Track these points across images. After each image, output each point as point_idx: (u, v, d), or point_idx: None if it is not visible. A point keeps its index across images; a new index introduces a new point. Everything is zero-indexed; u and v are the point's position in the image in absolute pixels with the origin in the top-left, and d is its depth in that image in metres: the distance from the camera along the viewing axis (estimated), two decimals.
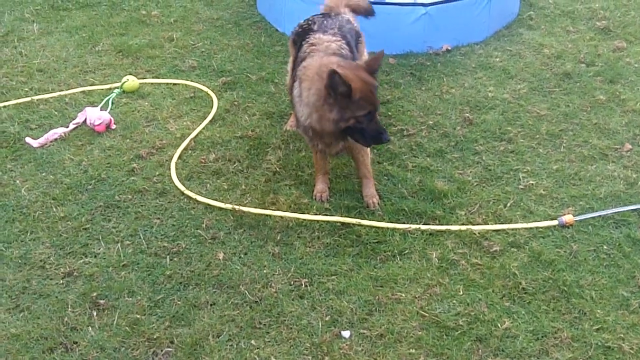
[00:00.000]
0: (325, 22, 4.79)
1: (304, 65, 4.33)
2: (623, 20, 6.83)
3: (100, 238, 4.22)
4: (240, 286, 3.88)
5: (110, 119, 5.25)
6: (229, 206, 4.42)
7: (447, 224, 4.28)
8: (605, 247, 4.11)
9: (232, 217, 4.36)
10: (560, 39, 6.51)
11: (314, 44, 4.51)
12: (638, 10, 7.03)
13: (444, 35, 6.28)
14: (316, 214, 4.36)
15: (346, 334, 3.60)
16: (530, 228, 4.25)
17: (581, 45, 6.38)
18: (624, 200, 4.47)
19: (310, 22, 4.86)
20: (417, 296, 3.81)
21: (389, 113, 5.36)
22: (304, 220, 4.33)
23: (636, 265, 3.98)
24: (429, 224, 4.28)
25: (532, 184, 4.63)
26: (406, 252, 4.10)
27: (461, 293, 3.82)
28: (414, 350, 3.50)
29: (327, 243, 4.17)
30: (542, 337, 3.57)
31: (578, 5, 7.13)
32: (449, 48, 6.29)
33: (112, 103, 5.51)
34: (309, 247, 4.14)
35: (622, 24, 6.77)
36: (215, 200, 4.49)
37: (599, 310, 3.71)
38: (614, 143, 5.04)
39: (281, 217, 4.33)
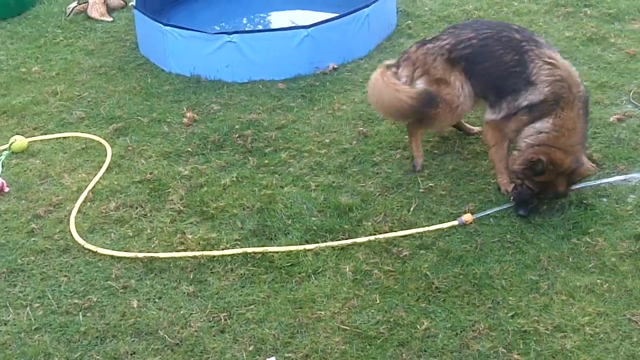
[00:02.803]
0: (527, 33, 4.58)
1: (562, 117, 4.27)
2: (497, 17, 7.10)
3: (8, 304, 4.08)
4: (159, 331, 3.81)
5: (2, 182, 5.09)
6: (132, 255, 4.34)
7: (355, 237, 4.34)
8: (508, 236, 4.26)
9: (141, 264, 4.28)
10: None
11: (556, 66, 4.37)
12: (510, 7, 7.32)
13: (328, 55, 6.38)
14: (226, 248, 4.34)
15: None
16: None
17: None
18: None
19: (501, 31, 4.61)
20: (336, 312, 3.84)
21: (286, 137, 5.40)
22: (215, 255, 4.30)
23: (540, 249, 4.14)
24: (338, 239, 4.33)
25: (432, 186, 4.75)
26: (320, 270, 4.13)
27: (378, 301, 3.87)
28: None
29: (242, 274, 4.16)
30: (461, 331, 3.65)
31: (453, 9, 7.38)
32: (335, 66, 6.39)
33: (2, 166, 5.34)
34: (224, 281, 4.12)
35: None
36: (122, 248, 4.41)
37: (511, 298, 3.83)
38: None
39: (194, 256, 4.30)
